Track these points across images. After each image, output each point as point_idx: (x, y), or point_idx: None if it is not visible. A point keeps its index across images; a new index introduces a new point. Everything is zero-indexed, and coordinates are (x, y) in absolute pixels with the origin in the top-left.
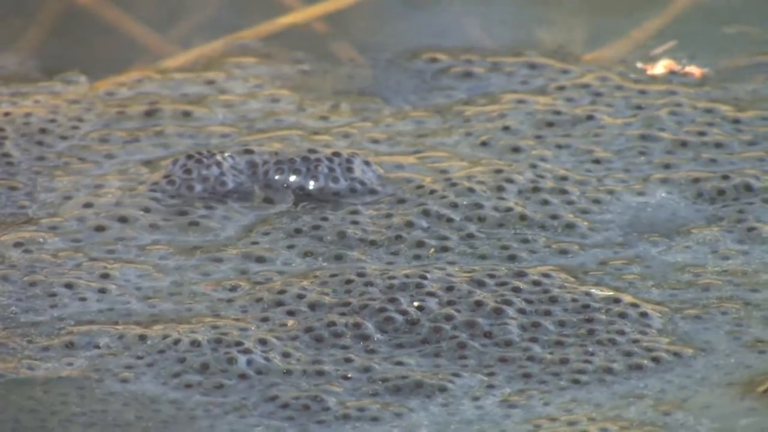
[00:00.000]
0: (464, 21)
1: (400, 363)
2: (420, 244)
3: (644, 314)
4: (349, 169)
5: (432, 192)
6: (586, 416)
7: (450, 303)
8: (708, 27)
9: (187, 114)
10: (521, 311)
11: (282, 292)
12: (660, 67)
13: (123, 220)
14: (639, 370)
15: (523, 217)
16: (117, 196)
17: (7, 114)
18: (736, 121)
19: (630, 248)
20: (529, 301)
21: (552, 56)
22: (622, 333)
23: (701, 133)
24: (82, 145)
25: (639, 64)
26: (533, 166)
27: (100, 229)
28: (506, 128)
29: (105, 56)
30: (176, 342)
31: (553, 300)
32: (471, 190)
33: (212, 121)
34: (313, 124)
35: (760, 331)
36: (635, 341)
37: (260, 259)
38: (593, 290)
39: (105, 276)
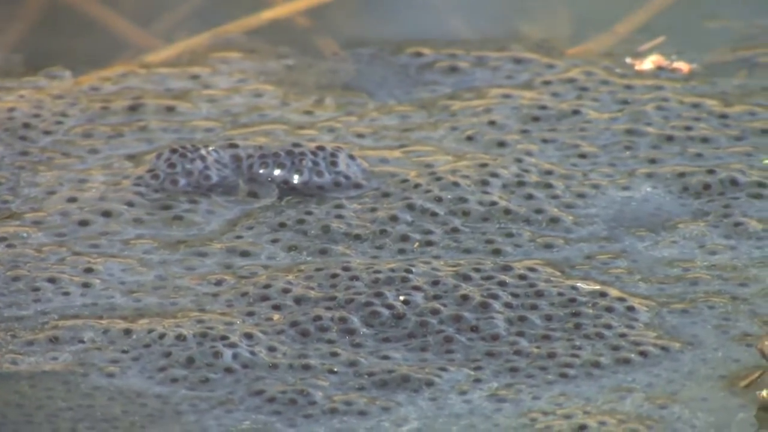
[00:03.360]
0: (448, 15)
1: (386, 357)
2: (405, 238)
3: (631, 308)
4: (334, 163)
5: (417, 186)
6: (580, 410)
7: (436, 297)
8: (690, 21)
9: (171, 109)
10: (508, 305)
11: (267, 286)
12: (648, 63)
13: (107, 214)
14: (626, 364)
15: (507, 212)
16: (101, 191)
17: None
18: (723, 116)
19: (616, 242)
20: (515, 295)
21: (536, 50)
22: (609, 327)
23: (687, 128)
24: (65, 139)
25: (627, 59)
26: (518, 161)
27: (83, 223)
28: (492, 123)
29: (89, 51)
30: (161, 336)
31: (540, 294)
32: (456, 184)
33: (196, 115)
34: (297, 118)
35: (748, 325)
36: (622, 335)
37: (245, 254)
38: (579, 284)
39: (89, 270)
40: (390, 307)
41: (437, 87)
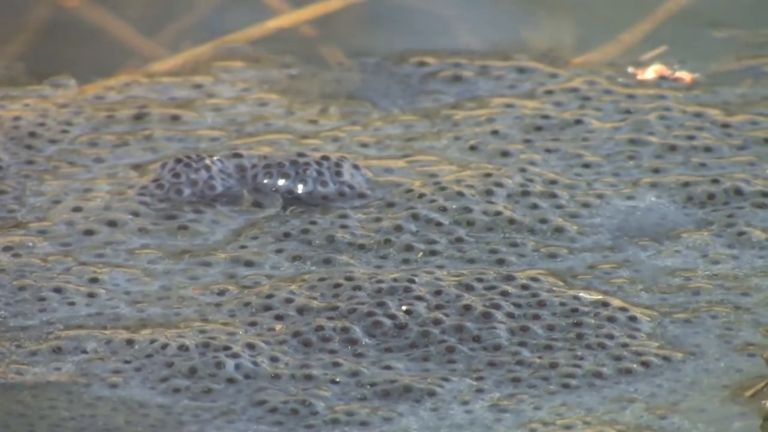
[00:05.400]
0: (452, 24)
1: (388, 367)
2: (409, 248)
3: (633, 318)
4: (338, 173)
5: (421, 196)
6: (580, 420)
7: (438, 307)
8: (695, 31)
9: (175, 118)
10: (510, 315)
11: (270, 296)
12: (651, 72)
13: (112, 224)
14: (629, 374)
15: (511, 221)
16: (106, 200)
17: None
18: (726, 126)
19: (619, 252)
20: (517, 305)
21: (540, 60)
22: (611, 337)
23: (690, 137)
24: (71, 149)
25: (630, 69)
26: (522, 170)
27: (89, 233)
28: (495, 132)
29: (94, 60)
30: (164, 346)
31: (542, 304)
32: (460, 194)
33: (201, 125)
34: (301, 127)
35: (751, 334)
36: (624, 345)
37: (249, 263)
38: (582, 294)
39: (94, 280)
40: (392, 317)
41: (441, 96)
